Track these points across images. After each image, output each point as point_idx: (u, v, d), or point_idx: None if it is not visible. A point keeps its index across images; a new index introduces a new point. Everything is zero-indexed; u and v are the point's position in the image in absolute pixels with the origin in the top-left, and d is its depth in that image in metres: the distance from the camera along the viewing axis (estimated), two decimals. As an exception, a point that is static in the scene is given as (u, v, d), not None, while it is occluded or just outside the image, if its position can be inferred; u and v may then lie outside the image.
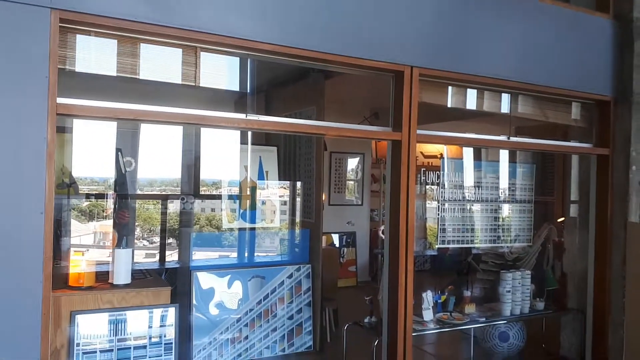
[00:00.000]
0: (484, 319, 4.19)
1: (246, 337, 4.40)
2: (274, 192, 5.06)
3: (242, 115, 3.10)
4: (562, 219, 5.14)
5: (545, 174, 5.71)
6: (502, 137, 4.15)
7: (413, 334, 3.57)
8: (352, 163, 8.01)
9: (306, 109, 4.73)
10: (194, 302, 4.28)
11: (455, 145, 4.40)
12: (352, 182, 7.96)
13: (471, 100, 4.12)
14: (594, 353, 4.44)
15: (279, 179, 4.94)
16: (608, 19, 4.41)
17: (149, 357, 3.34)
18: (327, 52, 3.18)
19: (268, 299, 4.49)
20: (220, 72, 3.57)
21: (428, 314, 3.96)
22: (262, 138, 5.20)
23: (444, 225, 4.38)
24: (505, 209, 4.72)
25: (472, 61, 3.74)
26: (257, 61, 3.34)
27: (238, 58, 3.42)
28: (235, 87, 4.00)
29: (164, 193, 5.30)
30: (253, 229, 4.88)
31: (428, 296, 4.01)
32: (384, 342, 3.50)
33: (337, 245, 7.49)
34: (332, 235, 7.46)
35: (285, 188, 5.12)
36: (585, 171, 4.64)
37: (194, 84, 3.18)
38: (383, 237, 3.66)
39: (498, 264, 4.98)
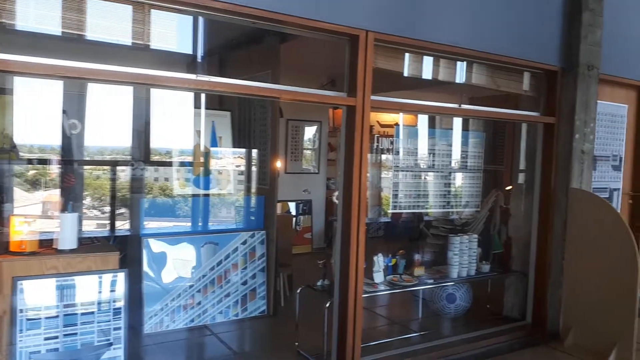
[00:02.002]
0: (432, 281, 4.33)
1: (199, 303, 4.39)
2: (228, 158, 4.99)
3: (192, 76, 3.00)
4: (510, 187, 5.33)
5: (496, 143, 5.88)
6: (454, 105, 4.21)
7: (363, 295, 3.66)
8: (310, 131, 7.97)
9: (261, 73, 4.64)
10: (145, 269, 4.21)
11: (408, 112, 4.44)
12: (309, 151, 7.94)
13: (426, 68, 4.14)
14: (534, 312, 4.70)
15: (233, 145, 4.87)
16: (558, -11, 4.50)
17: (98, 323, 3.28)
18: (281, 13, 3.10)
19: (221, 265, 4.48)
20: (173, 32, 3.43)
21: (379, 277, 4.06)
22: (216, 102, 5.08)
23: (397, 192, 4.46)
24: (456, 177, 4.85)
25: (428, 28, 3.74)
26: (209, 21, 3.22)
27: (191, 17, 3.30)
28: (188, 50, 3.86)
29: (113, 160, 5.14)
30: (207, 195, 4.82)
31: (379, 259, 4.10)
32: (335, 303, 3.57)
33: (294, 213, 7.52)
34: (289, 203, 7.47)
35: (240, 156, 5.05)
36: (533, 140, 4.79)
37: (144, 45, 3.05)
38: (337, 202, 3.68)
39: (448, 229, 5.14)
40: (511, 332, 4.50)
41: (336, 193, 3.64)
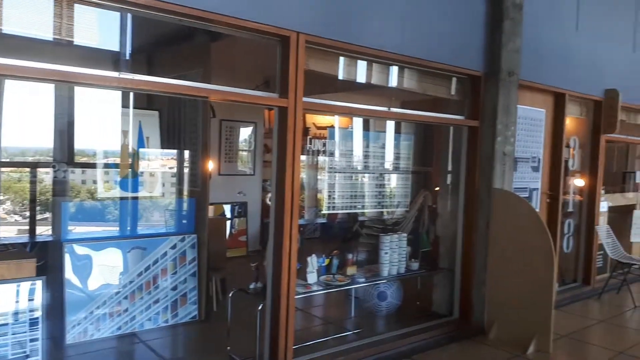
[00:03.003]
0: (364, 280, 4.41)
1: (126, 310, 4.21)
2: (158, 160, 4.83)
3: (114, 74, 2.88)
4: (438, 188, 5.53)
5: (426, 145, 6.08)
6: (383, 108, 4.31)
7: (296, 297, 3.66)
8: (245, 132, 7.88)
9: (191, 72, 4.53)
10: (67, 276, 3.99)
11: (340, 114, 4.49)
12: (245, 152, 7.85)
13: (357, 71, 4.20)
14: (461, 308, 4.90)
15: (162, 146, 4.71)
16: (482, -2, 4.73)
17: (13, 335, 3.07)
18: (208, 11, 3.04)
19: (150, 271, 4.32)
20: (98, 28, 3.28)
21: (312, 277, 4.08)
22: (144, 101, 4.90)
23: (331, 193, 4.50)
24: (387, 178, 4.96)
25: (358, 32, 3.81)
26: (137, 18, 3.10)
27: (116, 13, 3.17)
28: (115, 47, 3.71)
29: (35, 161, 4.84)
30: (135, 198, 4.64)
31: (313, 260, 4.12)
32: (267, 306, 3.55)
33: (229, 215, 7.40)
34: (224, 205, 7.34)
35: (171, 158, 4.91)
36: (458, 142, 5.00)
37: (67, 40, 2.89)
38: (270, 204, 3.66)
39: (380, 229, 5.26)
40: (439, 327, 4.67)
41: (269, 195, 3.61)
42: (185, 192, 4.88)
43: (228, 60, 5.50)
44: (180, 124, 4.84)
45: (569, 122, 6.07)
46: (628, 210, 7.23)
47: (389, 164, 4.97)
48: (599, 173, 6.25)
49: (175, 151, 4.93)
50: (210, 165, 5.58)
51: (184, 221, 4.75)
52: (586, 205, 6.32)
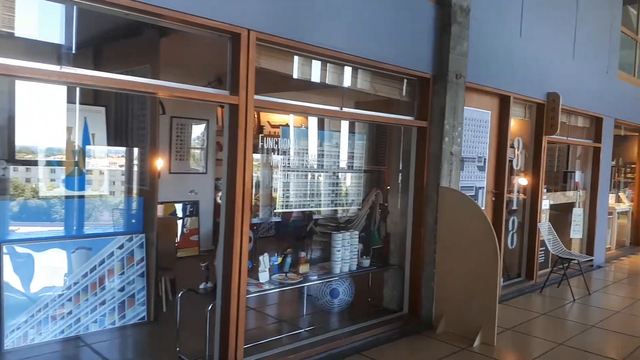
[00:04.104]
0: (316, 277, 4.44)
1: (70, 313, 4.06)
2: (104, 157, 4.68)
3: (55, 67, 2.77)
4: (389, 187, 5.64)
5: (379, 145, 6.19)
6: (336, 108, 4.35)
7: (248, 296, 3.64)
8: (198, 130, 7.75)
9: (139, 67, 4.42)
10: (5, 278, 3.81)
11: (291, 113, 4.49)
12: (197, 150, 7.72)
13: (309, 71, 4.22)
14: (410, 303, 5.02)
15: (108, 143, 4.57)
16: (432, 2, 4.85)
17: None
18: (157, 6, 2.98)
19: (96, 271, 4.19)
20: (40, 20, 3.15)
21: (264, 276, 4.07)
22: (90, 97, 4.74)
23: (285, 191, 4.51)
24: (341, 176, 5.02)
25: (310, 31, 3.82)
26: (82, 10, 2.99)
27: (61, 5, 3.04)
28: (59, 40, 3.56)
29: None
30: (81, 197, 4.48)
31: (265, 259, 4.11)
32: (217, 305, 3.51)
33: (181, 214, 7.27)
34: (175, 204, 7.20)
35: (118, 155, 4.76)
36: (408, 142, 5.11)
37: (7, 32, 2.75)
38: (220, 202, 3.62)
39: (333, 227, 5.31)
40: (389, 323, 4.76)
41: (220, 193, 3.57)
42: (134, 191, 4.75)
43: (179, 56, 5.40)
44: (128, 120, 4.71)
45: (514, 124, 6.33)
46: (568, 208, 7.63)
47: (342, 163, 5.03)
48: (541, 172, 6.55)
49: (122, 148, 4.79)
50: (160, 163, 5.47)
51: (132, 220, 4.63)
52: (529, 203, 6.61)
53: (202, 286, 3.83)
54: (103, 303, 4.22)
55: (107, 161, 4.71)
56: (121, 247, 4.33)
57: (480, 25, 5.27)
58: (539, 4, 6.23)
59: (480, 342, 4.45)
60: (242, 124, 3.45)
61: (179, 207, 7.27)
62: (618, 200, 9.93)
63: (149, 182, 4.57)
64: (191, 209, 7.30)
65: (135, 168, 4.72)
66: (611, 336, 4.97)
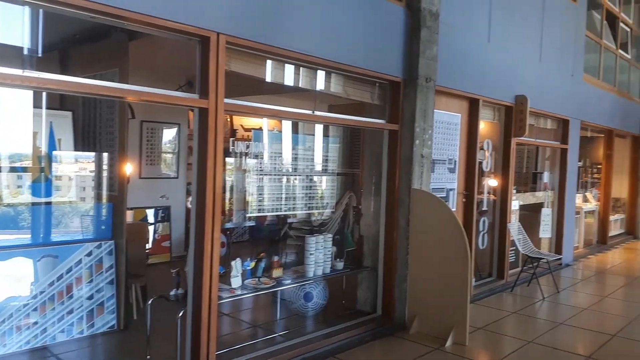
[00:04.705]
0: (289, 281, 4.43)
1: (36, 323, 3.95)
2: (72, 163, 4.57)
3: (17, 71, 2.70)
4: (362, 189, 5.67)
5: (353, 148, 6.23)
6: (308, 111, 4.36)
7: (219, 302, 3.61)
8: (169, 134, 7.65)
9: (108, 71, 4.35)
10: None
11: (263, 116, 4.48)
12: (169, 155, 7.61)
13: (281, 74, 4.21)
14: (384, 305, 5.05)
15: (75, 148, 4.47)
16: (401, 6, 4.91)
17: None
18: (124, 9, 2.94)
19: (63, 280, 4.09)
20: (4, 23, 3.06)
21: (237, 281, 4.03)
22: (56, 102, 4.63)
23: (257, 195, 4.48)
24: (314, 180, 5.02)
25: (281, 35, 3.82)
26: (48, 13, 2.93)
27: (27, 8, 2.96)
28: (24, 43, 3.47)
29: None
30: (48, 204, 4.37)
31: (237, 264, 4.07)
32: (189, 312, 3.47)
33: (152, 220, 7.15)
34: (146, 210, 7.09)
35: (86, 160, 4.66)
36: (380, 145, 5.15)
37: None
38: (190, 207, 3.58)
39: (307, 230, 5.30)
40: (363, 325, 4.78)
41: (190, 198, 3.53)
42: (103, 197, 4.66)
43: (148, 60, 5.33)
44: (95, 125, 4.62)
45: (483, 126, 6.45)
46: (537, 208, 7.80)
47: (316, 166, 5.03)
48: (510, 174, 6.68)
49: (90, 154, 4.70)
50: (129, 168, 5.38)
51: (102, 227, 4.53)
52: (499, 204, 6.73)
53: (172, 293, 3.78)
54: (71, 312, 4.12)
55: (76, 167, 4.61)
56: (89, 254, 4.23)
57: (450, 29, 5.36)
58: (506, 9, 6.37)
59: (453, 342, 4.50)
60: (212, 128, 3.42)
61: (150, 213, 7.16)
62: (585, 200, 10.20)
63: (117, 188, 4.49)
64: (162, 215, 7.20)
65: (105, 173, 4.62)
66: (579, 333, 5.09)
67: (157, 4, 3.09)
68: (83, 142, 4.58)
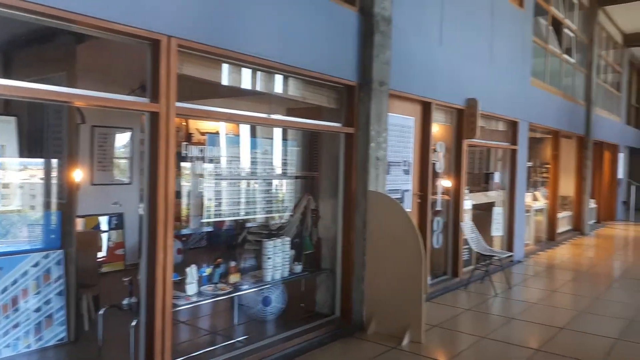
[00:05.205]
0: (246, 287, 4.40)
1: (-22, 339, 3.77)
2: (17, 170, 4.39)
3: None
4: (320, 192, 5.69)
5: (312, 151, 6.25)
6: (263, 115, 4.35)
7: (174, 310, 3.55)
8: (122, 139, 7.45)
9: (55, 74, 4.20)
10: None
11: (217, 120, 4.43)
12: (122, 160, 7.42)
13: (236, 78, 4.19)
14: (342, 306, 5.09)
15: (21, 155, 4.29)
16: (355, 11, 4.97)
17: None
18: (70, 11, 2.86)
19: (7, 292, 3.91)
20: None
21: (192, 288, 3.97)
22: (0, 106, 4.44)
23: (214, 200, 4.43)
24: (272, 183, 5.00)
25: (235, 38, 3.81)
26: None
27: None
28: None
29: None
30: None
31: (192, 271, 4.02)
32: (142, 321, 3.39)
33: (106, 227, 6.95)
34: (99, 217, 6.88)
35: (34, 167, 4.48)
36: (337, 148, 5.19)
37: None
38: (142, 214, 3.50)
39: (266, 234, 5.28)
40: (322, 327, 4.80)
41: (141, 204, 3.46)
42: (51, 205, 4.49)
43: (98, 63, 5.19)
44: (42, 130, 4.46)
45: (437, 129, 6.61)
46: (489, 207, 8.05)
47: (274, 169, 5.02)
48: (462, 174, 6.88)
49: (39, 160, 4.52)
50: (79, 174, 5.21)
51: (50, 236, 4.36)
52: (452, 204, 6.91)
53: (125, 302, 3.69)
54: (16, 325, 3.95)
55: (25, 174, 4.42)
56: (36, 264, 4.07)
57: (402, 34, 5.48)
58: (457, 14, 6.57)
59: (409, 340, 4.59)
60: (163, 132, 3.37)
61: (103, 220, 6.96)
62: (535, 198, 10.61)
63: (66, 195, 4.34)
64: (116, 222, 7.01)
65: (54, 180, 4.46)
66: (530, 327, 5.29)
67: (104, 6, 3.02)
68: (29, 148, 4.41)
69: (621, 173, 15.98)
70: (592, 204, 13.34)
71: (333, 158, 5.20)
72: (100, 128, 6.86)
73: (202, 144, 4.44)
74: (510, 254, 7.99)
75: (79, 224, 6.20)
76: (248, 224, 5.81)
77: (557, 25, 10.59)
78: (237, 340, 4.52)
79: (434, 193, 6.53)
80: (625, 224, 14.65)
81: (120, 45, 3.50)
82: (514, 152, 8.45)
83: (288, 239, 4.87)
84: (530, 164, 10.07)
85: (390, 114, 5.28)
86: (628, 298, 6.52)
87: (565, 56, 11.06)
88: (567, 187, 12.02)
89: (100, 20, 3.01)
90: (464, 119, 6.78)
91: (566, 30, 11.01)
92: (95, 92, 3.20)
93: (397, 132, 5.69)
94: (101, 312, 3.74)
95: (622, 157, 15.92)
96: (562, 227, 11.61)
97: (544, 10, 9.77)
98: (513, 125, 8.42)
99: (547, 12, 9.90)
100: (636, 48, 16.21)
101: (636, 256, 9.87)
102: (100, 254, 6.47)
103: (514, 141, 8.43)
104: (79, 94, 3.17)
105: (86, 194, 6.50)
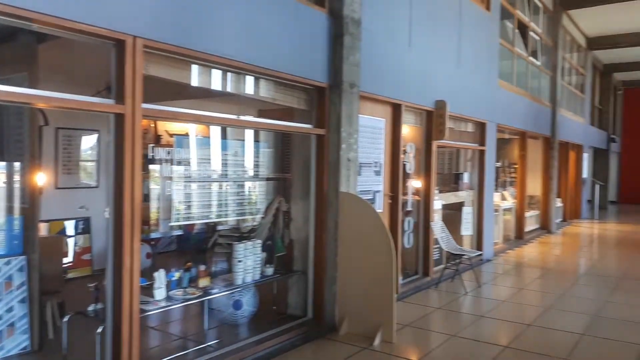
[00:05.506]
0: (216, 291, 4.35)
1: None
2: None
3: None
4: (292, 193, 5.67)
5: (284, 153, 6.22)
6: (232, 116, 4.31)
7: (142, 315, 3.48)
8: (89, 141, 7.28)
9: (15, 75, 4.07)
10: None
11: (184, 121, 4.39)
12: (90, 163, 7.24)
13: (204, 79, 4.13)
14: (314, 308, 5.08)
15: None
16: (324, 13, 4.98)
17: None
18: (30, 10, 2.77)
19: (-35, 301, 3.76)
20: None
21: (160, 293, 3.91)
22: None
23: (183, 203, 4.37)
24: (243, 185, 4.96)
25: (202, 39, 3.76)
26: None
27: None
28: None
29: None
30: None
31: (161, 275, 3.95)
32: (108, 328, 3.31)
33: (73, 232, 6.77)
34: (65, 222, 6.69)
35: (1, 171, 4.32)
36: (309, 150, 5.19)
37: None
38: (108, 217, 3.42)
39: (237, 237, 5.23)
40: (294, 329, 4.78)
41: (107, 208, 3.38)
42: (13, 210, 4.34)
43: (62, 64, 5.06)
44: (3, 133, 4.31)
45: (406, 130, 6.68)
46: (459, 207, 8.17)
47: (245, 171, 4.98)
48: (432, 175, 6.96)
49: (2, 164, 4.37)
50: (42, 178, 5.07)
51: (12, 242, 4.22)
52: (423, 204, 6.99)
53: (91, 308, 3.60)
54: (-24, 335, 3.80)
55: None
56: (-3, 271, 3.93)
57: (372, 36, 5.51)
58: (425, 17, 6.65)
59: (381, 340, 4.61)
60: (129, 134, 3.30)
61: (69, 225, 6.77)
62: (503, 198, 10.83)
63: (28, 200, 4.21)
64: (83, 226, 6.83)
65: (15, 185, 4.31)
66: (499, 324, 5.39)
67: (66, 5, 2.94)
68: (-12, 151, 4.26)
69: (586, 172, 16.47)
70: (559, 202, 13.71)
71: (304, 159, 5.20)
72: (65, 130, 6.68)
73: (171, 146, 4.38)
74: (480, 252, 8.13)
75: (43, 229, 6.03)
76: (219, 227, 5.75)
77: (522, 29, 10.85)
78: (208, 345, 4.46)
79: (405, 193, 6.59)
80: (590, 222, 15.10)
81: (85, 45, 3.42)
82: (482, 152, 8.61)
83: (259, 241, 4.84)
84: (498, 164, 10.27)
85: (361, 115, 5.31)
86: (593, 294, 6.71)
87: (531, 59, 11.33)
88: (534, 186, 12.32)
89: (62, 20, 2.93)
90: (433, 121, 6.86)
91: (532, 34, 11.28)
92: (57, 93, 3.11)
93: (368, 134, 5.72)
94: (66, 319, 3.63)
95: (586, 157, 16.41)
96: (530, 225, 11.89)
97: (510, 13, 10.00)
98: (481, 127, 8.57)
99: (513, 15, 10.13)
100: (599, 51, 16.75)
101: (601, 253, 10.19)
102: (66, 260, 6.29)
103: (482, 142, 8.59)
104: (40, 95, 3.08)
105: (50, 198, 6.32)
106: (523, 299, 6.45)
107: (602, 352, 4.60)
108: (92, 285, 3.69)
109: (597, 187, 16.62)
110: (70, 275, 6.37)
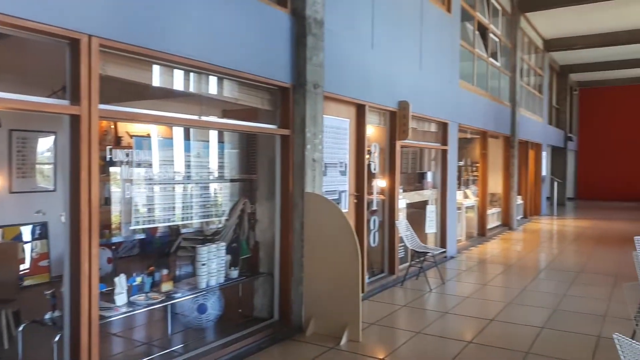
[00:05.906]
0: (179, 295, 4.27)
1: None
2: None
3: None
4: (257, 194, 5.63)
5: (250, 154, 6.16)
6: (193, 117, 4.24)
7: (102, 322, 3.38)
8: (46, 143, 7.03)
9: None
10: None
11: (143, 122, 4.28)
12: (45, 166, 6.99)
13: (165, 79, 4.05)
14: (281, 309, 5.06)
15: None
16: (287, 13, 4.96)
17: None
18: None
19: None
20: None
21: (121, 299, 3.80)
22: None
23: (144, 206, 4.27)
24: (205, 187, 4.89)
25: (161, 38, 3.68)
26: None
27: None
28: None
29: None
30: None
31: (121, 280, 3.84)
32: (66, 336, 3.20)
33: (29, 238, 6.52)
34: (20, 227, 6.44)
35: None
36: (273, 150, 5.16)
37: None
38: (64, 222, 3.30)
39: (200, 240, 5.15)
40: (260, 331, 4.75)
41: (63, 212, 3.27)
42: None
43: (14, 63, 4.87)
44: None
45: (371, 130, 6.73)
46: (423, 205, 8.30)
47: (209, 173, 4.91)
48: (396, 174, 7.04)
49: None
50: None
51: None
52: (387, 204, 7.06)
53: (48, 316, 3.47)
54: None
55: None
56: (-55, 281, 3.75)
57: (335, 37, 5.53)
58: (387, 18, 6.72)
59: (347, 340, 4.63)
60: (85, 136, 3.21)
61: (26, 230, 6.53)
62: (465, 196, 11.06)
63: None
64: (40, 232, 6.59)
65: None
66: (463, 320, 5.49)
67: (16, 2, 2.82)
68: None
69: (545, 170, 17.02)
70: (519, 200, 14.10)
71: (269, 160, 5.17)
72: (19, 132, 6.44)
73: (129, 147, 4.27)
74: (444, 250, 8.28)
75: (-4, 236, 5.80)
76: (183, 230, 5.65)
77: (482, 30, 11.11)
78: (173, 350, 4.38)
79: (370, 193, 6.64)
80: (550, 218, 15.60)
81: (39, 44, 3.30)
82: (444, 152, 8.76)
83: (224, 244, 4.78)
84: (460, 163, 10.48)
85: (325, 116, 5.32)
86: (552, 288, 6.93)
87: (491, 60, 11.62)
88: (495, 184, 12.63)
89: (11, 18, 2.81)
90: (396, 121, 6.94)
91: (491, 35, 11.57)
92: (7, 93, 2.99)
93: (332, 134, 5.74)
94: (21, 328, 3.49)
95: (545, 156, 16.96)
96: (492, 223, 12.18)
97: (470, 15, 10.22)
98: (443, 127, 8.72)
99: (473, 17, 10.36)
100: (555, 52, 17.34)
101: (560, 248, 10.53)
102: (22, 267, 6.07)
103: (444, 142, 8.74)
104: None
105: (4, 202, 6.09)
106: (486, 294, 6.59)
107: (561, 343, 4.75)
108: (48, 292, 3.56)
109: (555, 184, 17.19)
110: (26, 282, 6.15)
